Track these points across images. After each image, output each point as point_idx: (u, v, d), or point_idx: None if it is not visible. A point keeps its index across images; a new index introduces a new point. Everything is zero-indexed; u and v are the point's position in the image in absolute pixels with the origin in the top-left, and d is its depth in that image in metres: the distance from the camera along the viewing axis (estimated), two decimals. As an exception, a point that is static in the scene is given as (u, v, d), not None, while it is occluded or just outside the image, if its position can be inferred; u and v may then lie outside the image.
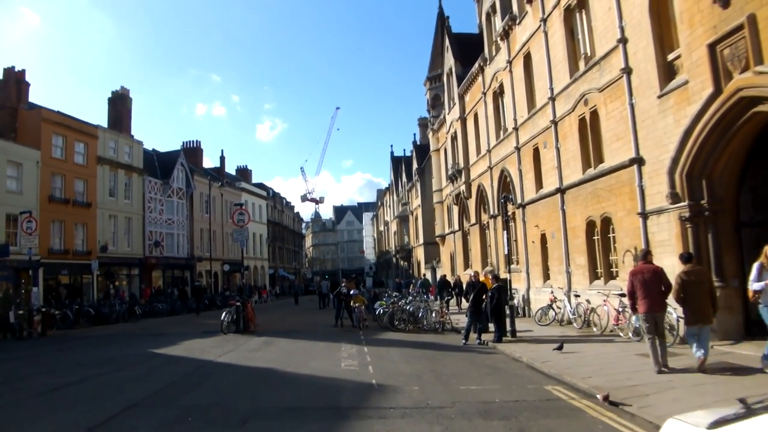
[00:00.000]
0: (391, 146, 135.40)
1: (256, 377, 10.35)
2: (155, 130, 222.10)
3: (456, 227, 32.87)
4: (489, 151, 25.60)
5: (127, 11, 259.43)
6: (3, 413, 8.02)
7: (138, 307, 28.93)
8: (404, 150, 59.54)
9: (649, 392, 7.69)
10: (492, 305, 14.44)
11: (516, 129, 21.94)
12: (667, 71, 12.28)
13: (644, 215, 13.07)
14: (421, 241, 46.50)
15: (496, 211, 25.04)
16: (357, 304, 19.76)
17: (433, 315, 18.67)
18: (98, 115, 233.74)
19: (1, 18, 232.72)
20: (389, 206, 69.34)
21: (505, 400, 7.85)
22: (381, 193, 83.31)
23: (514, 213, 23.23)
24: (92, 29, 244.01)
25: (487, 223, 27.05)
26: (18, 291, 22.24)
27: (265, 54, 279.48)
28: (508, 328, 14.91)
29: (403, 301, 20.74)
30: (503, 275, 16.92)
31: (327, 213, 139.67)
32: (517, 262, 23.15)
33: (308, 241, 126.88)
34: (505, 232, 15.37)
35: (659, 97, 12.28)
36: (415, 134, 53.85)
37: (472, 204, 29.15)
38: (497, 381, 9.47)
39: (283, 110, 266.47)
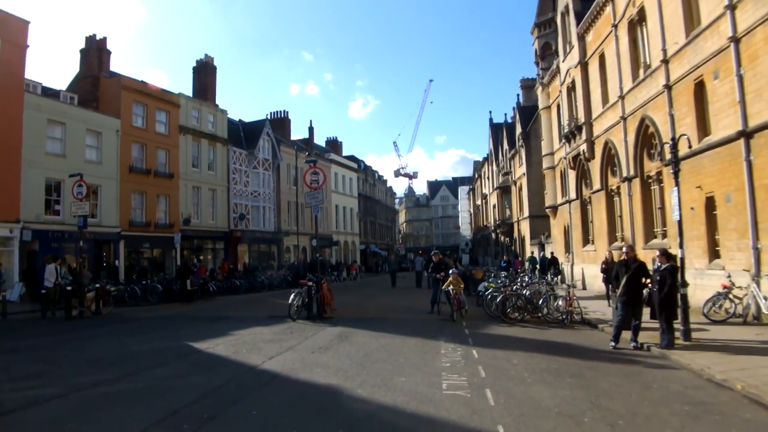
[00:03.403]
0: (490, 112, 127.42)
1: (307, 406, 6.58)
2: (251, 114, 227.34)
3: (573, 195, 27.72)
4: (622, 97, 20.37)
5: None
6: None
7: (213, 284, 26.40)
8: (505, 115, 54.17)
9: None
10: (662, 294, 9.88)
11: (666, 61, 16.69)
12: None
13: None
14: (526, 213, 41.38)
15: (631, 172, 19.90)
16: (451, 288, 15.55)
17: (559, 302, 14.28)
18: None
19: (112, 10, 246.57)
20: (488, 178, 64.10)
21: None
22: (478, 165, 77.86)
23: (660, 172, 18.12)
24: (192, 16, 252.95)
25: (617, 188, 21.88)
26: (80, 264, 19.97)
27: (356, 30, 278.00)
28: (678, 326, 10.31)
29: (518, 283, 16.44)
30: (636, 252, 11.72)
31: (421, 189, 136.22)
32: (664, 236, 18.05)
33: (401, 217, 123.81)
34: (675, 189, 10.62)
35: None
36: (518, 95, 48.28)
37: (595, 166, 23.99)
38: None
39: (376, 87, 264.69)
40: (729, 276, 13.12)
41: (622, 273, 10.65)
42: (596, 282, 22.27)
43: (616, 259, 15.27)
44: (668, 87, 16.58)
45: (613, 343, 10.42)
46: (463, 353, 9.75)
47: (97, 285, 18.62)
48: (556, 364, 8.77)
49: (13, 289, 22.97)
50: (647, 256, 15.89)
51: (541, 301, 14.65)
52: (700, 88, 15.05)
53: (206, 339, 11.78)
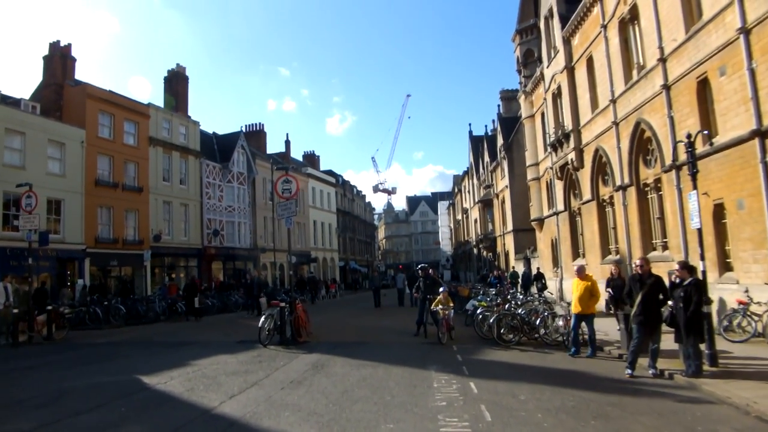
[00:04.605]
0: (470, 125, 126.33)
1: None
2: (227, 129, 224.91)
3: (560, 207, 26.57)
4: (613, 101, 19.32)
5: (198, 9, 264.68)
6: None
7: (181, 304, 24.58)
8: (485, 127, 53.27)
9: None
10: (687, 313, 8.56)
11: (663, 60, 15.64)
12: None
13: None
14: (510, 227, 40.21)
15: (626, 180, 18.78)
16: (440, 307, 13.98)
17: (559, 322, 12.92)
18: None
19: (83, 22, 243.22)
20: (468, 191, 63.05)
21: None
22: (458, 179, 76.85)
23: (659, 179, 17.01)
24: (166, 28, 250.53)
25: (610, 197, 20.74)
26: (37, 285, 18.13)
27: (333, 45, 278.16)
28: (704, 349, 9.01)
29: (513, 301, 15.03)
30: (648, 263, 10.26)
31: (400, 204, 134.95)
32: (665, 248, 16.89)
33: (381, 233, 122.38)
34: (694, 192, 9.35)
35: None
36: (498, 106, 47.35)
37: (585, 175, 22.88)
38: None
39: (353, 102, 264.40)
40: (746, 291, 11.93)
41: (636, 290, 9.36)
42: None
43: (622, 275, 14.00)
44: (667, 87, 15.50)
45: (629, 371, 9.07)
46: (459, 387, 8.28)
47: (49, 307, 16.77)
48: (571, 400, 7.36)
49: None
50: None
51: (538, 321, 13.29)
52: (703, 87, 13.97)
53: (160, 371, 10.14)
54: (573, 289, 11.78)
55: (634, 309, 9.25)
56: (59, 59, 31.91)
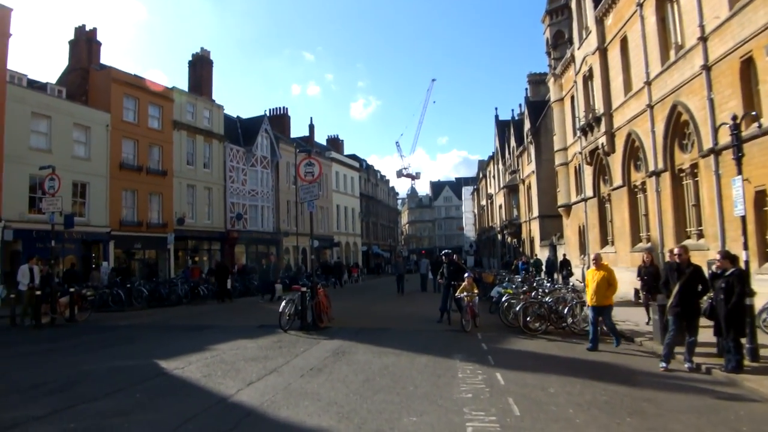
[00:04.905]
0: (496, 109, 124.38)
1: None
2: (251, 114, 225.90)
3: (589, 193, 25.86)
4: (648, 83, 18.55)
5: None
6: None
7: (203, 287, 24.60)
8: (512, 111, 52.12)
9: None
10: (729, 305, 8.06)
11: (704, 39, 14.87)
12: None
13: None
14: (536, 213, 39.47)
15: (660, 166, 18.07)
16: (464, 294, 13.64)
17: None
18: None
19: (112, 9, 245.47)
20: (493, 177, 62.17)
21: None
22: (483, 164, 75.86)
23: (695, 164, 16.29)
24: (192, 14, 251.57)
25: (642, 183, 20.04)
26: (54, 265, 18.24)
27: (357, 29, 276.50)
28: (745, 343, 8.50)
29: (540, 289, 14.59)
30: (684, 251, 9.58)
31: (423, 189, 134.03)
32: (700, 236, 16.23)
33: (404, 218, 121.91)
34: (739, 177, 8.78)
35: None
36: (526, 89, 46.32)
37: (615, 160, 22.15)
38: None
39: (377, 87, 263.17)
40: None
41: (674, 279, 8.86)
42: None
43: (655, 263, 13.43)
44: (707, 68, 14.75)
45: (663, 364, 8.62)
46: (485, 378, 7.94)
47: (72, 289, 16.82)
48: (604, 395, 6.96)
49: (-7, 292, 21.33)
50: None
51: (566, 310, 12.84)
52: (747, 67, 13.23)
53: (179, 355, 9.99)
54: (588, 279, 11.11)
55: (671, 300, 8.76)
56: (85, 44, 32.07)
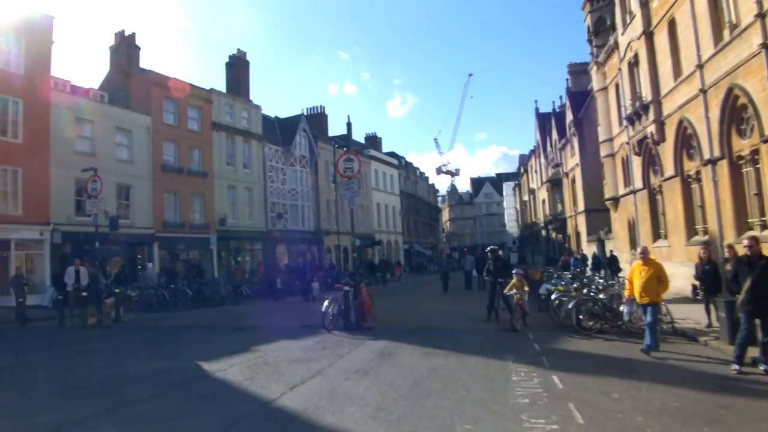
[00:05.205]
0: (536, 101, 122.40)
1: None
2: (288, 114, 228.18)
3: (638, 185, 24.78)
4: (700, 66, 17.52)
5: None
6: None
7: (246, 287, 24.67)
8: (553, 103, 50.89)
9: None
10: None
11: (761, 15, 13.85)
12: None
13: None
14: (581, 207, 38.30)
15: (716, 153, 17.03)
16: (514, 291, 13.09)
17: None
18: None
19: (151, 14, 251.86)
20: (535, 171, 60.86)
21: None
22: (524, 159, 74.44)
23: (756, 150, 15.28)
24: (228, 20, 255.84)
25: (697, 173, 19.00)
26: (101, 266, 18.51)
27: (392, 27, 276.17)
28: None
29: (593, 286, 13.90)
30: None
31: (463, 186, 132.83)
32: (763, 227, 15.22)
33: (445, 215, 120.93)
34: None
35: None
36: (567, 79, 45.07)
37: (666, 149, 21.10)
38: None
39: (414, 84, 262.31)
40: None
41: (744, 274, 8.15)
42: (672, 281, 19.45)
43: (713, 259, 12.60)
44: (766, 46, 13.77)
45: (736, 366, 7.92)
46: (541, 381, 7.41)
47: (117, 290, 17.01)
48: (674, 400, 6.36)
49: (45, 294, 21.92)
50: (742, 252, 13.17)
51: (621, 307, 12.16)
52: (816, 44, 12.27)
53: (221, 357, 9.79)
54: (634, 275, 10.12)
55: (742, 296, 8.05)
56: (124, 49, 32.70)
